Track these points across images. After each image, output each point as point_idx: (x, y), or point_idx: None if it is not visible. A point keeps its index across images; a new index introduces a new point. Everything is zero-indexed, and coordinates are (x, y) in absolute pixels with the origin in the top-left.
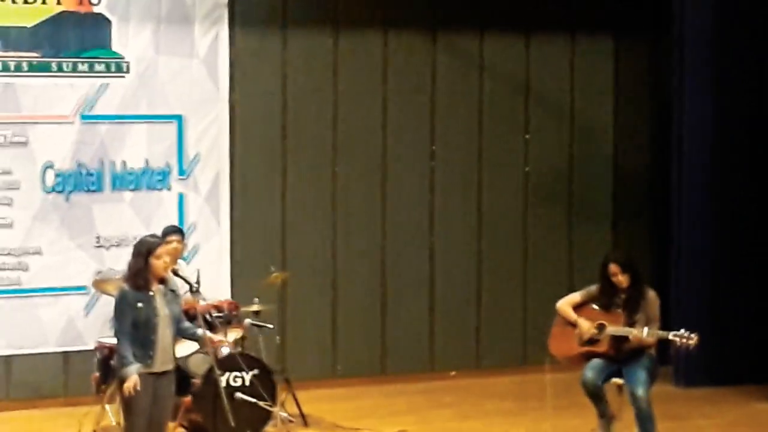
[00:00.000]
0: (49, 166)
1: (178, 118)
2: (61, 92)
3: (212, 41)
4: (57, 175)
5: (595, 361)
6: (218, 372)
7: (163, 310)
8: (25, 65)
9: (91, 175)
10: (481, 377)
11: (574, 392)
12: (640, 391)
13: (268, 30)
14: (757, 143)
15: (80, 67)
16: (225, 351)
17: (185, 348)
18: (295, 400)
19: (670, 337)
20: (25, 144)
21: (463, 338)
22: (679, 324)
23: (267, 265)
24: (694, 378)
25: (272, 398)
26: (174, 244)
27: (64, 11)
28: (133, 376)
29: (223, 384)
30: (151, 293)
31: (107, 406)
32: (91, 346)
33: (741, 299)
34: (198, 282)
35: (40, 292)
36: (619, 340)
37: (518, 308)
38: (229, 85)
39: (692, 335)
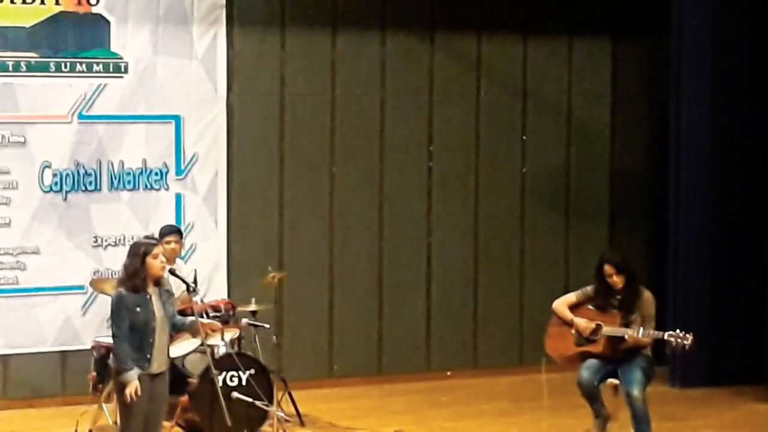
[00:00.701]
0: (47, 165)
1: (176, 119)
2: (60, 92)
3: (210, 42)
4: (55, 175)
5: (591, 362)
6: (215, 372)
7: (159, 312)
8: (23, 65)
9: (89, 174)
10: (478, 377)
11: (570, 392)
12: (636, 392)
13: (266, 31)
14: (755, 144)
15: (78, 67)
16: (218, 340)
17: (182, 347)
18: (292, 399)
19: (666, 337)
20: (23, 144)
21: (459, 338)
22: (675, 324)
23: (264, 265)
24: (690, 378)
25: (269, 398)
26: (172, 245)
27: (62, 11)
28: (133, 381)
29: (220, 383)
30: (148, 296)
31: (104, 406)
32: (89, 346)
33: (737, 300)
34: (195, 282)
35: (38, 292)
36: (615, 341)
37: (515, 309)
38: (227, 86)
39: (688, 335)
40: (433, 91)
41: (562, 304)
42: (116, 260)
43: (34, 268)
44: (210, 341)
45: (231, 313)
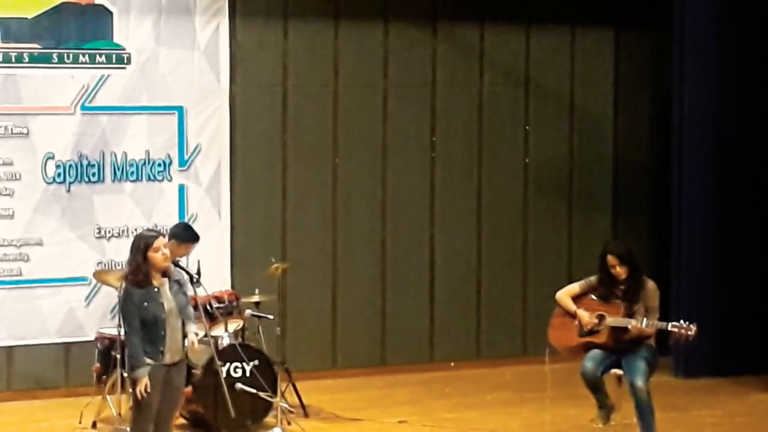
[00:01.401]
0: (50, 157)
1: (179, 110)
2: (62, 83)
3: (213, 33)
4: (58, 166)
5: (595, 352)
6: (219, 363)
7: (169, 304)
8: (26, 56)
9: (92, 166)
10: (481, 368)
11: (573, 383)
12: (640, 382)
13: (268, 22)
14: (758, 135)
15: (81, 58)
16: (221, 331)
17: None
18: (296, 390)
19: (670, 327)
20: (26, 135)
21: (463, 329)
22: (678, 315)
23: (267, 256)
24: (693, 369)
25: (272, 389)
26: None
27: (65, 2)
28: (144, 378)
29: (224, 375)
30: (155, 289)
31: (108, 397)
32: (92, 337)
33: (741, 290)
34: (198, 273)
35: (41, 283)
36: (618, 331)
37: (518, 299)
38: (229, 77)
39: (691, 326)
40: (435, 83)
41: (565, 295)
42: (119, 251)
43: (37, 259)
44: (214, 332)
45: (234, 304)
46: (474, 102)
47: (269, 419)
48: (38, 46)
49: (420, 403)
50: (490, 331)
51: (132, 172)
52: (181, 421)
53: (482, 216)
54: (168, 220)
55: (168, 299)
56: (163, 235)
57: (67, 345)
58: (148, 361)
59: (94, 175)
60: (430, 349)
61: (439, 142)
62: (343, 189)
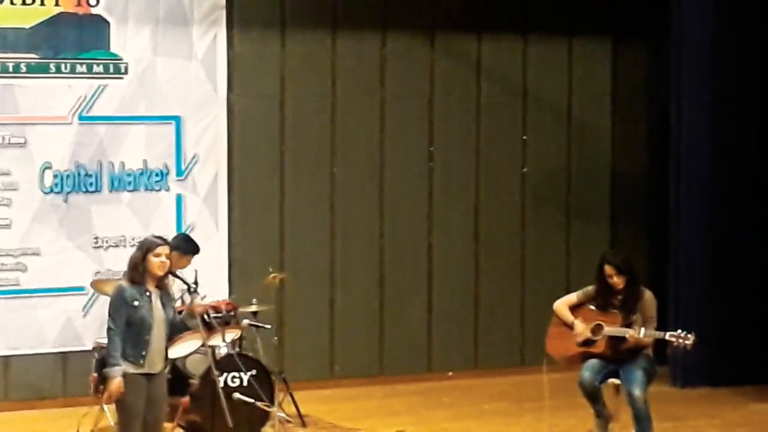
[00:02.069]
0: (47, 166)
1: (177, 119)
2: (60, 93)
3: (210, 43)
4: (55, 176)
5: (593, 362)
6: (216, 372)
7: (159, 313)
8: (23, 66)
9: (90, 175)
10: (479, 378)
11: (571, 393)
12: (637, 392)
13: (266, 31)
14: (755, 144)
15: (78, 68)
16: (219, 341)
17: (183, 348)
18: (293, 400)
19: (667, 337)
20: (23, 145)
21: (461, 339)
22: (676, 324)
23: (265, 266)
24: (691, 378)
25: (270, 399)
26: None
27: (62, 12)
28: (117, 378)
29: (221, 384)
30: (147, 292)
31: (105, 407)
32: (90, 347)
33: (739, 300)
34: (196, 282)
35: (39, 293)
36: (616, 341)
37: (516, 309)
38: (227, 87)
39: (689, 335)
40: (433, 92)
41: (563, 305)
42: (117, 261)
43: (35, 269)
44: (211, 342)
45: (232, 313)
46: (471, 112)
47: (267, 429)
48: (36, 56)
49: (418, 413)
50: (488, 341)
51: (129, 182)
52: (179, 431)
53: (480, 226)
54: (166, 230)
55: (157, 308)
56: (170, 245)
57: (65, 355)
58: (128, 366)
59: (91, 184)
60: (428, 358)
61: (436, 152)
62: (341, 198)
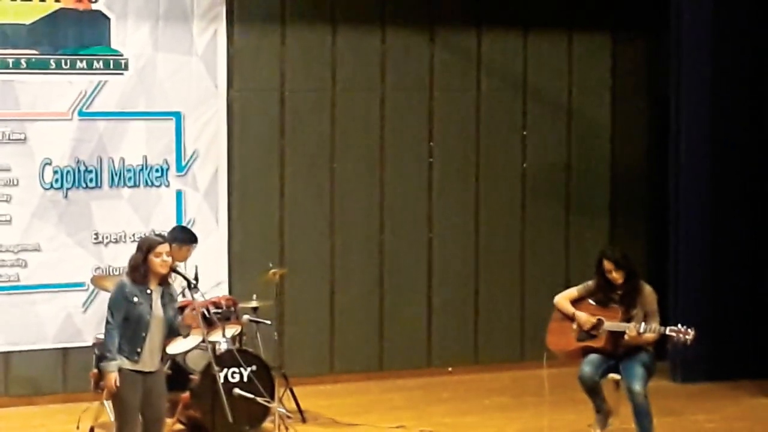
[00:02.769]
0: (47, 162)
1: (177, 115)
2: (60, 89)
3: (210, 38)
4: (55, 172)
5: (593, 357)
6: (216, 368)
7: (157, 311)
8: (23, 62)
9: (90, 171)
10: (479, 373)
11: (571, 387)
12: (638, 387)
13: (266, 27)
14: (754, 138)
15: (79, 64)
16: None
17: (183, 344)
18: (293, 396)
19: (667, 332)
20: (23, 141)
21: (460, 334)
22: (676, 319)
23: (265, 262)
24: (691, 373)
25: (270, 394)
26: (184, 251)
27: (62, 8)
28: (112, 373)
29: (221, 380)
30: (149, 291)
31: (105, 403)
32: (90, 343)
33: (738, 294)
34: (196, 278)
35: (39, 289)
36: (616, 336)
37: (516, 304)
38: (227, 82)
39: (689, 330)
40: (433, 87)
41: (563, 299)
42: (117, 257)
43: (35, 265)
44: (211, 338)
45: (232, 309)
46: (471, 107)
47: (267, 425)
48: (36, 52)
49: (417, 408)
50: (488, 336)
51: (130, 178)
52: (179, 426)
53: (480, 221)
54: (166, 225)
55: (157, 307)
56: (168, 240)
57: (65, 350)
58: (124, 362)
59: (91, 180)
60: (428, 354)
61: (436, 147)
62: (341, 194)
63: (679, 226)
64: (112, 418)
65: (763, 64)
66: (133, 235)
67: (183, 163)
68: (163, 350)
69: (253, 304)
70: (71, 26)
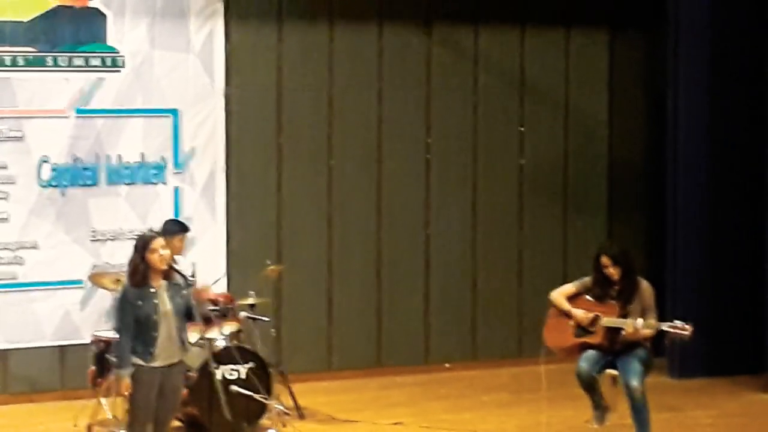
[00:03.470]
0: (45, 160)
1: (174, 113)
2: (57, 86)
3: (207, 35)
4: (53, 170)
5: (590, 353)
6: (214, 365)
7: (165, 306)
8: (20, 60)
9: (87, 169)
10: (477, 369)
11: (568, 383)
12: (635, 382)
13: (263, 24)
14: (753, 136)
15: (76, 61)
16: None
17: None
18: (291, 392)
19: (665, 328)
20: (21, 138)
21: (458, 330)
22: (674, 315)
23: (263, 258)
24: (688, 369)
25: (268, 391)
26: (177, 243)
27: (59, 6)
28: (125, 379)
29: (219, 377)
30: (152, 289)
31: (103, 400)
32: (87, 340)
33: (736, 290)
34: (193, 275)
35: (36, 287)
36: (613, 332)
37: (513, 300)
38: (224, 79)
39: (687, 326)
40: (430, 83)
41: (560, 295)
42: (115, 254)
43: (32, 262)
44: (209, 334)
45: (230, 306)
46: (469, 103)
47: (265, 421)
48: (33, 50)
49: (416, 405)
50: (486, 332)
51: (127, 175)
52: (177, 423)
53: (477, 217)
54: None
55: (164, 302)
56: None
57: (63, 348)
58: (138, 361)
59: (89, 178)
60: (426, 350)
61: (434, 144)
62: (338, 191)
63: (677, 222)
64: (110, 416)
65: (761, 61)
66: (131, 232)
67: (180, 161)
68: (183, 337)
69: (251, 300)
70: (68, 23)
